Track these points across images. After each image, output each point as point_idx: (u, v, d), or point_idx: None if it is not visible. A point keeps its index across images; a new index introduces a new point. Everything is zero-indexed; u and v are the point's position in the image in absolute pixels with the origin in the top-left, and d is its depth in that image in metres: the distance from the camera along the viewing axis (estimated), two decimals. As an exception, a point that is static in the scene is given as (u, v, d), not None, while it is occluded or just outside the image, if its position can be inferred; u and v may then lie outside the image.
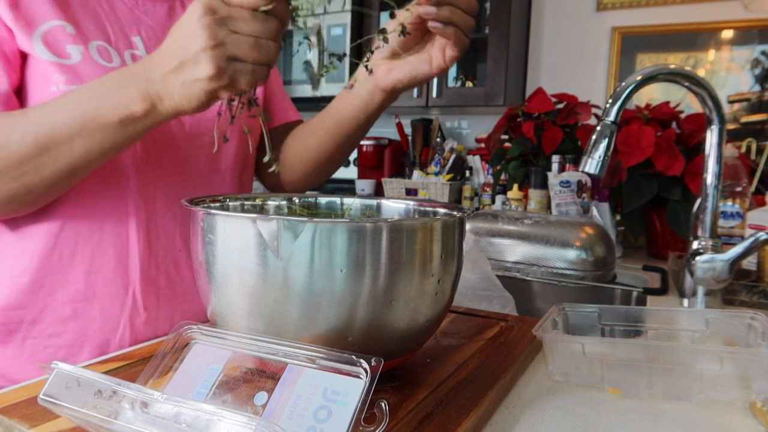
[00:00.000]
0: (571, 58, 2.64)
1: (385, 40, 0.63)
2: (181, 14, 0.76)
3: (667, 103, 1.44)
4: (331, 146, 0.81)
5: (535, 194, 1.47)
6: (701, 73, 2.35)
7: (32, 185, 0.59)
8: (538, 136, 1.57)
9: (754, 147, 1.49)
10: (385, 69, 0.70)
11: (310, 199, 0.69)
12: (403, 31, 0.63)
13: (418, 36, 0.67)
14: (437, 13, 0.61)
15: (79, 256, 0.68)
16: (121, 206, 0.69)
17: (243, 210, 0.64)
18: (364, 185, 2.79)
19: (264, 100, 0.88)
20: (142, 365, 0.54)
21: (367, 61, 0.65)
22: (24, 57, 0.65)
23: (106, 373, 0.48)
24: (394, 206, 0.67)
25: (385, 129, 3.01)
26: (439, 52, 0.66)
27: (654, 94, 2.46)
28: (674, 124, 1.42)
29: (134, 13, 0.72)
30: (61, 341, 0.68)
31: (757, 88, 2.33)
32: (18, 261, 0.67)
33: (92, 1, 0.69)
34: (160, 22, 0.74)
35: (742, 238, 1.07)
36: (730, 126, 1.96)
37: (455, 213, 0.57)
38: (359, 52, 2.77)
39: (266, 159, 0.60)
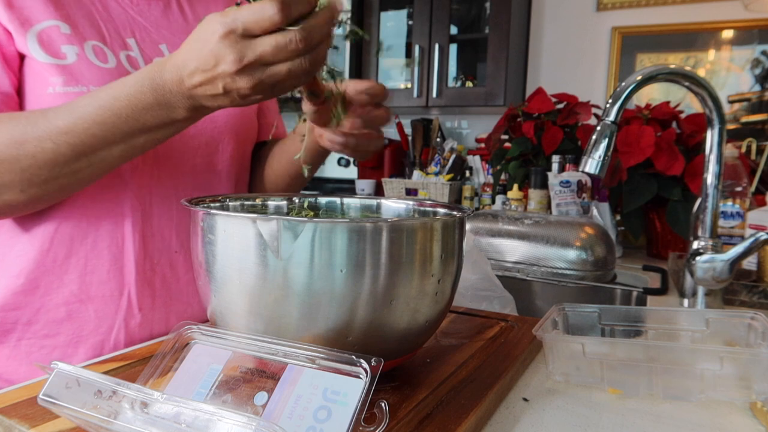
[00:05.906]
0: (571, 58, 2.64)
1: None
2: (178, 12, 0.76)
3: (667, 103, 1.44)
4: (291, 172, 0.87)
5: (535, 194, 1.47)
6: (701, 73, 2.35)
7: (66, 185, 0.60)
8: (538, 136, 1.57)
9: (754, 147, 1.49)
10: (318, 133, 0.72)
11: (310, 199, 0.69)
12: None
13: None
14: (342, 144, 0.68)
15: (74, 257, 0.68)
16: (116, 207, 0.69)
17: (243, 210, 0.64)
18: (364, 185, 2.79)
19: (258, 113, 0.88)
20: (142, 365, 0.54)
21: (304, 121, 0.70)
22: (21, 59, 0.65)
23: (106, 373, 0.48)
24: (394, 206, 0.67)
25: (385, 129, 3.00)
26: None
27: (654, 94, 2.46)
28: (674, 124, 1.42)
29: (128, 14, 0.71)
30: (56, 342, 0.68)
31: (757, 88, 2.33)
32: (14, 262, 0.67)
33: (86, 0, 0.68)
34: (155, 22, 0.73)
35: (742, 238, 1.07)
36: (730, 126, 1.96)
37: (455, 213, 0.57)
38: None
39: (297, 157, 0.73)
